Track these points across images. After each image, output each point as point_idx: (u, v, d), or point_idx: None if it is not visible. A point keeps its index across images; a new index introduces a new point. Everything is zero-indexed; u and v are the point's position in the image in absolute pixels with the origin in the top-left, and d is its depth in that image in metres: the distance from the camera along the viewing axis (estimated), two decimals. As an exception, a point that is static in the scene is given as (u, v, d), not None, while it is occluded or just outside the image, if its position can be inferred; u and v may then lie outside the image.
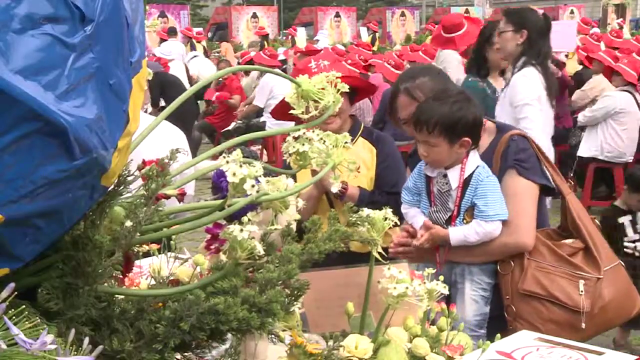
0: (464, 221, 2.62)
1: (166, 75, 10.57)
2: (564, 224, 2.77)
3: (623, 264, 2.74)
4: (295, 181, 1.39)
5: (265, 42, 17.88)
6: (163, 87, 9.96)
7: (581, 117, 8.00)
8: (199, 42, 18.41)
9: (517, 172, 2.65)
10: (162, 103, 9.67)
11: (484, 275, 2.65)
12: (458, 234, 2.60)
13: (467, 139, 2.56)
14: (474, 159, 2.63)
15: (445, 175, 2.62)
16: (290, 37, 21.01)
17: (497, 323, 2.56)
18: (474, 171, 2.60)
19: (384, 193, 3.24)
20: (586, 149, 8.00)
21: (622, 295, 2.63)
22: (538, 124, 4.31)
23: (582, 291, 2.56)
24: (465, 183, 2.59)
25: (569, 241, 2.70)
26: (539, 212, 2.70)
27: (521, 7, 4.85)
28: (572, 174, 7.81)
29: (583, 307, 2.54)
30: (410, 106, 2.75)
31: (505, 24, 4.58)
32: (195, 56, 15.42)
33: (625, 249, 4.71)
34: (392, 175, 3.29)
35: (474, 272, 2.65)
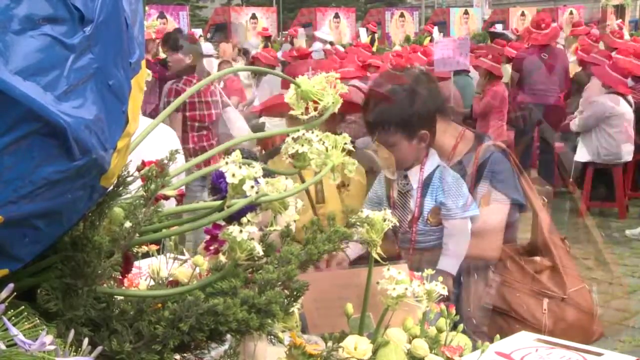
0: (428, 222, 2.57)
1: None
2: (534, 240, 2.75)
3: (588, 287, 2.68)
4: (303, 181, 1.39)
5: (269, 43, 17.78)
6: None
7: (573, 126, 8.02)
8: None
9: (490, 184, 2.63)
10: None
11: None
12: (448, 261, 2.51)
13: (424, 131, 2.56)
14: (433, 159, 2.61)
15: (405, 176, 2.60)
16: (289, 37, 20.96)
17: None
18: (434, 170, 2.58)
19: None
20: (583, 154, 8.01)
21: (585, 320, 2.58)
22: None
23: (545, 309, 2.53)
24: (426, 183, 2.57)
25: (537, 258, 2.67)
26: (509, 226, 2.67)
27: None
28: (570, 179, 7.85)
29: (545, 326, 2.50)
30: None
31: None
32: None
33: None
34: None
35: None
